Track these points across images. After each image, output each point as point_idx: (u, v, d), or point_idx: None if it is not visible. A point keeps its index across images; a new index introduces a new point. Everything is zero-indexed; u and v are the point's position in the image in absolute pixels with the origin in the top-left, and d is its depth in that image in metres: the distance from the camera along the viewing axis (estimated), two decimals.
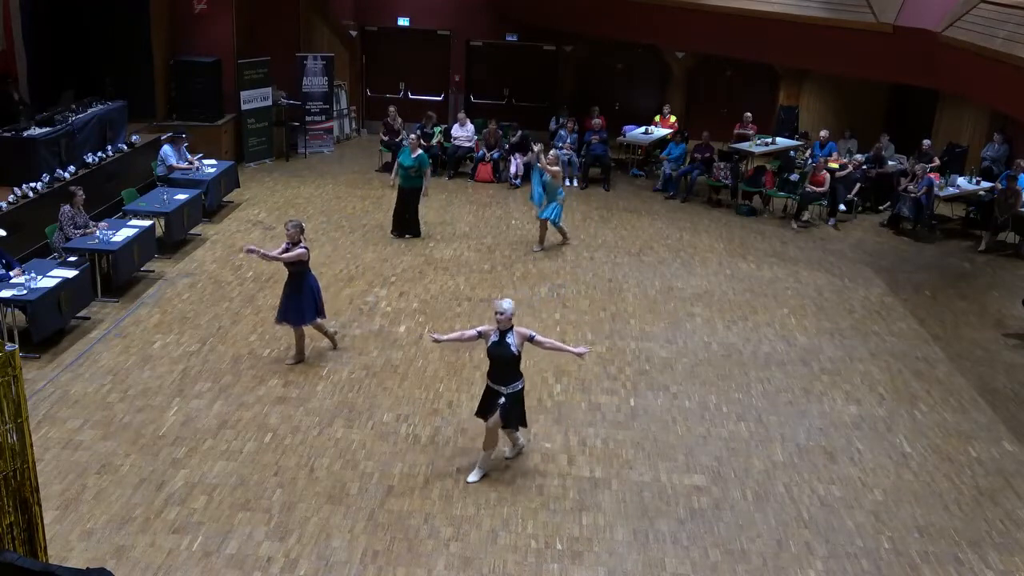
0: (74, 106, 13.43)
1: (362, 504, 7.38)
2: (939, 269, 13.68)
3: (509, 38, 19.68)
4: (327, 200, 15.30)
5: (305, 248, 9.35)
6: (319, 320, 9.69)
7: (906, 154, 16.43)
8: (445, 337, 7.78)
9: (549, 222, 13.25)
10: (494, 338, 7.58)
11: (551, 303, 11.55)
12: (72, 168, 12.50)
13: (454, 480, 7.76)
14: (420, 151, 13.52)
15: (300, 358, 9.70)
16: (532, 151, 13.51)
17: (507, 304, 7.50)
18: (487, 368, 7.77)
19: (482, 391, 7.84)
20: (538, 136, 17.72)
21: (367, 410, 8.81)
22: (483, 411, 7.78)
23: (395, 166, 13.89)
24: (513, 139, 17.01)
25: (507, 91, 20.10)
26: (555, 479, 7.86)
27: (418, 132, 14.69)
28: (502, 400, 7.61)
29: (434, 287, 11.86)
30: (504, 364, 7.58)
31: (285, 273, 11.93)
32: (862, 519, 7.55)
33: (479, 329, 7.71)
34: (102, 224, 11.36)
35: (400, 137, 17.07)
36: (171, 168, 13.91)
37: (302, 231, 9.39)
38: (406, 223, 13.57)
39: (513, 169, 16.71)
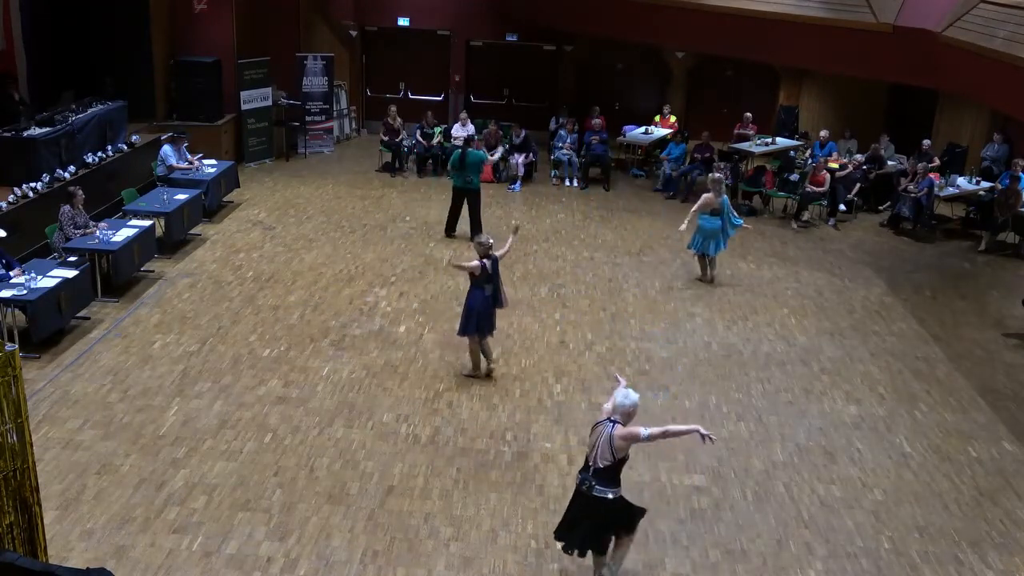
0: (74, 106, 13.42)
1: (362, 504, 7.38)
2: (939, 269, 13.67)
3: (509, 38, 19.66)
4: (327, 200, 15.30)
5: (478, 262, 9.10)
6: (477, 338, 9.32)
7: (906, 154, 16.43)
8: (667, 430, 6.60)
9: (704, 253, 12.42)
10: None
11: (551, 303, 11.55)
12: (72, 168, 12.49)
13: (454, 480, 7.76)
14: (478, 150, 13.55)
15: (474, 372, 9.48)
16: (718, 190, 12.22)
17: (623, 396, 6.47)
18: None
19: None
20: (537, 136, 17.75)
21: (367, 410, 8.81)
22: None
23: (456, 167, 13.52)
24: (516, 139, 16.99)
25: (507, 91, 20.08)
26: (555, 479, 7.85)
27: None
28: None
29: (434, 287, 11.85)
30: None
31: (285, 275, 12.04)
32: (862, 519, 7.55)
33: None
34: (102, 224, 11.36)
35: (400, 137, 17.08)
36: (171, 168, 13.91)
37: (487, 248, 9.15)
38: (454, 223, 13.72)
39: (515, 169, 16.65)
